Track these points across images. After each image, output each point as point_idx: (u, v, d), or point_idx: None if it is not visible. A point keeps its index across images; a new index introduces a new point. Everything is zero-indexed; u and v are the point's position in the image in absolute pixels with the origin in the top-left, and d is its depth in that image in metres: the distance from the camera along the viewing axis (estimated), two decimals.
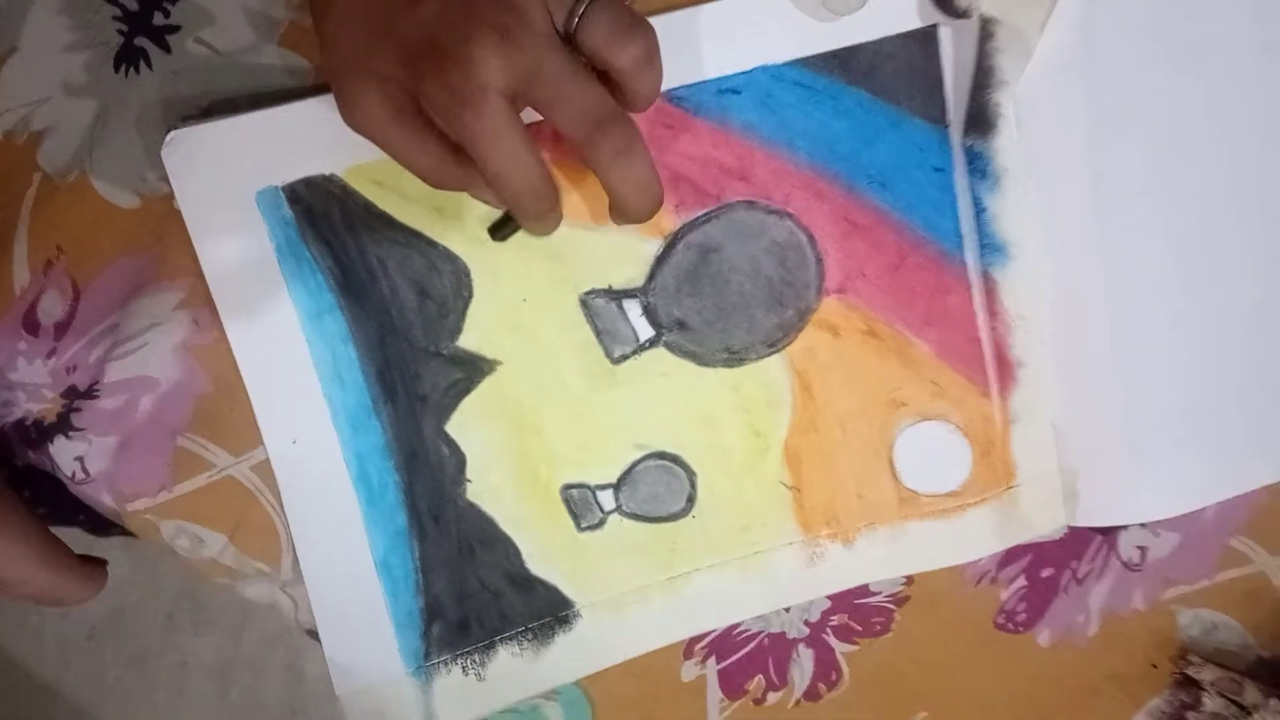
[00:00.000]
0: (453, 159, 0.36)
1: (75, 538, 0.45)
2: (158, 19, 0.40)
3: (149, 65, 0.41)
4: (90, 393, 0.42)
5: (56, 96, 0.40)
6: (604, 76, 0.35)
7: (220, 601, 1.16)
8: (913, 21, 0.43)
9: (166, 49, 0.40)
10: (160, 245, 0.42)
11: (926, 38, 0.43)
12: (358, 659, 0.45)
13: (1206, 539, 0.50)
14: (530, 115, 0.37)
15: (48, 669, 1.16)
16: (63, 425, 0.42)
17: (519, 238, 0.42)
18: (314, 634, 0.45)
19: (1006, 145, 0.43)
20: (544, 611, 0.46)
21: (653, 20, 0.40)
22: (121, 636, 1.16)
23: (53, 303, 0.42)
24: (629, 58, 0.34)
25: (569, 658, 0.47)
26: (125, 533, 0.46)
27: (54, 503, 0.45)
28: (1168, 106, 0.44)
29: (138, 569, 1.13)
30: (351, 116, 0.35)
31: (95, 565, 0.43)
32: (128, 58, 0.40)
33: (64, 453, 0.43)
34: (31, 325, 0.42)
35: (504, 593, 0.46)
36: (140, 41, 0.40)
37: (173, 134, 0.39)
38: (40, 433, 0.43)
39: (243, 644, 1.16)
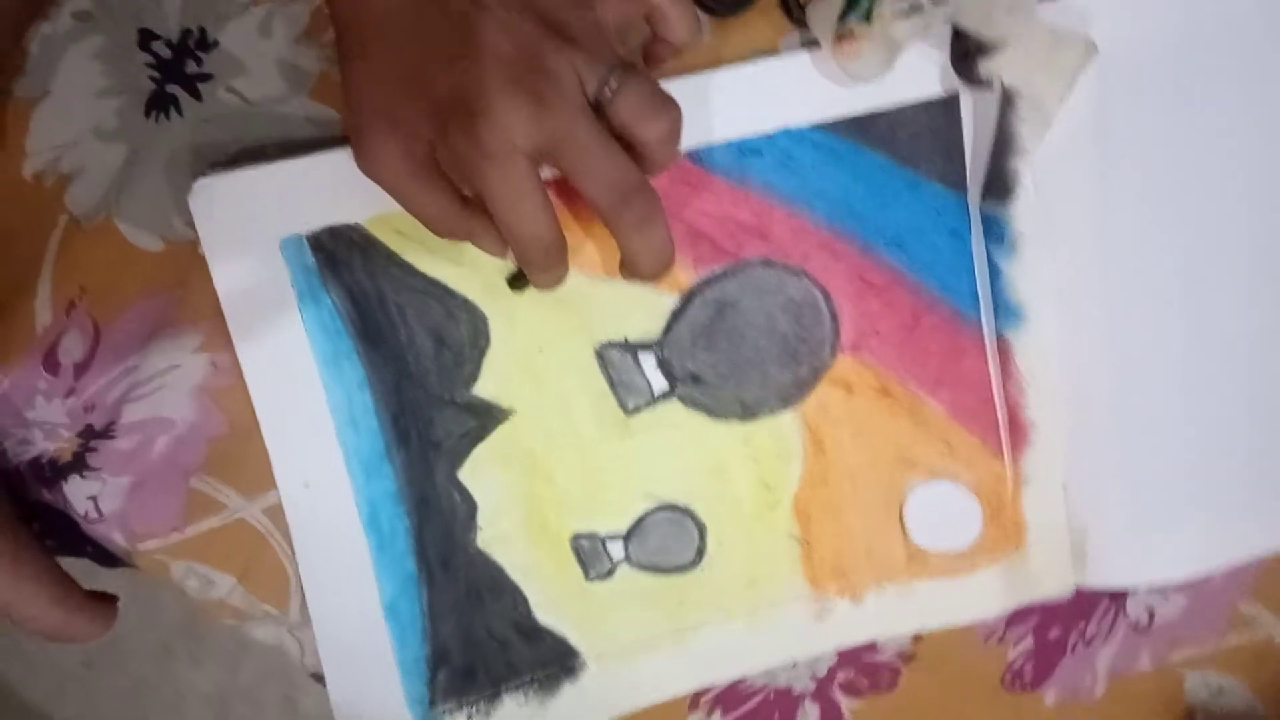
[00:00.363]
0: (460, 211, 0.37)
1: (84, 569, 0.45)
2: (190, 67, 0.41)
3: (179, 112, 0.41)
4: (107, 432, 0.42)
5: (86, 140, 0.41)
6: (621, 141, 0.36)
7: (218, 633, 1.15)
8: (935, 89, 0.43)
9: (198, 97, 0.41)
10: (182, 289, 0.42)
11: (947, 105, 0.43)
12: (363, 704, 0.45)
13: (1214, 602, 0.50)
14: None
15: (43, 699, 1.16)
16: (78, 464, 0.43)
17: (533, 289, 0.42)
18: (320, 677, 0.45)
19: (1024, 211, 0.44)
20: (550, 661, 0.46)
21: (679, 80, 0.41)
22: (118, 667, 1.15)
23: (73, 343, 0.42)
24: (655, 134, 0.35)
25: (575, 708, 0.46)
26: (134, 564, 0.46)
27: (63, 535, 0.45)
28: (1176, 178, 0.45)
29: (135, 599, 1.12)
30: (368, 163, 0.36)
31: (105, 602, 0.43)
32: (159, 104, 0.41)
33: (78, 492, 0.43)
34: (52, 364, 0.42)
35: (511, 641, 0.46)
36: (172, 89, 0.41)
37: (200, 181, 0.40)
38: (55, 471, 0.43)
39: (240, 676, 1.15)
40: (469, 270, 0.43)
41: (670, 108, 0.35)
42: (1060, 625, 0.49)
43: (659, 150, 0.35)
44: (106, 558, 0.47)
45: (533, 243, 0.36)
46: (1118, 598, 0.49)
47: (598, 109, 0.35)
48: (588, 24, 0.35)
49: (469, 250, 0.43)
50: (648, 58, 0.40)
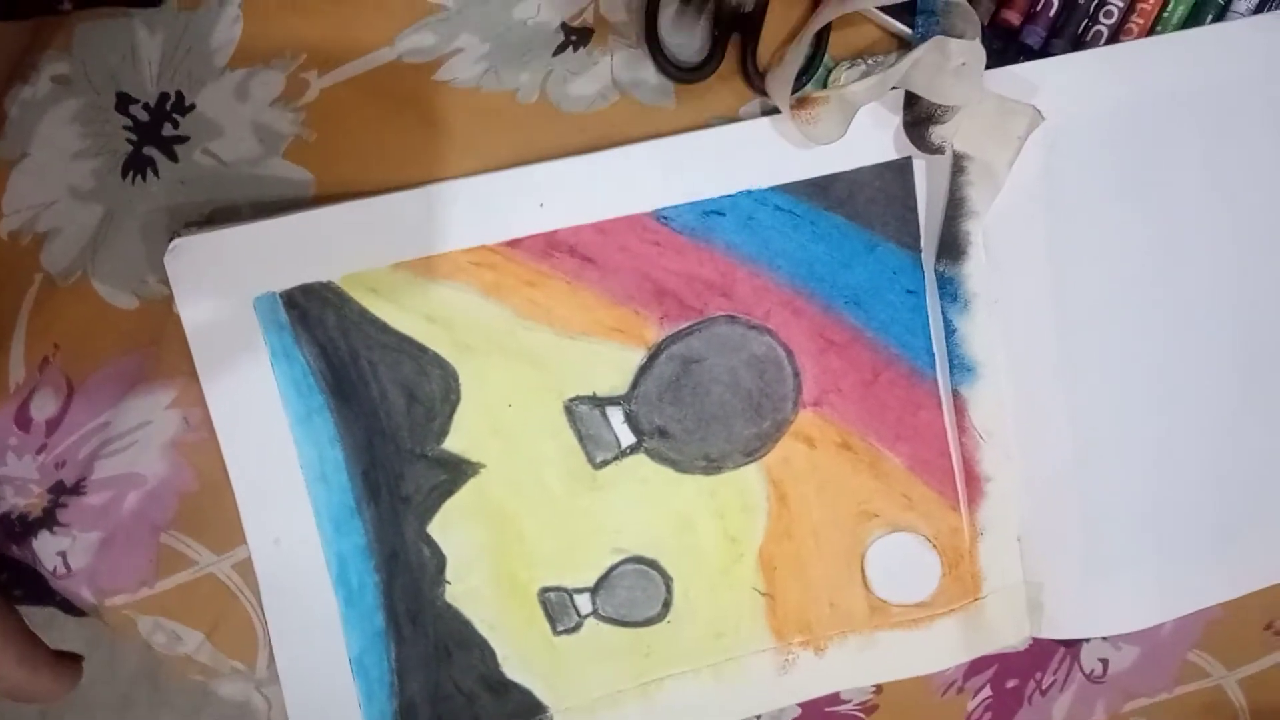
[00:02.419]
0: None
1: (47, 617, 0.45)
2: (167, 130, 0.42)
3: (156, 173, 0.42)
4: (78, 489, 0.43)
5: (63, 200, 0.42)
6: None
7: (177, 685, 1.13)
8: (889, 153, 0.45)
9: (174, 158, 0.42)
10: (156, 346, 0.42)
11: (902, 168, 0.45)
12: None
13: (1165, 652, 0.51)
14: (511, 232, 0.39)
15: None
16: (47, 520, 0.43)
17: (504, 345, 0.43)
18: None
19: (975, 271, 0.45)
20: (518, 716, 0.46)
21: (644, 145, 0.43)
22: (76, 716, 1.13)
23: (46, 399, 0.42)
24: None
25: None
26: (102, 619, 0.46)
27: (30, 584, 0.45)
28: (1120, 239, 0.47)
29: (96, 649, 1.10)
30: None
31: (70, 662, 0.43)
32: (136, 166, 0.42)
33: (47, 548, 0.43)
34: (24, 421, 0.42)
35: (478, 696, 0.46)
36: (149, 151, 0.42)
37: (176, 242, 0.40)
38: (24, 527, 0.43)
39: None
40: (440, 327, 0.44)
41: None
42: (1017, 676, 0.51)
43: None
44: (73, 607, 0.47)
45: None
46: (1072, 648, 0.51)
47: None
48: None
49: (440, 308, 0.44)
50: None
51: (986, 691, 0.50)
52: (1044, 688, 0.51)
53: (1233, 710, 0.52)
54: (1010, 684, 0.50)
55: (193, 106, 0.42)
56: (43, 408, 0.42)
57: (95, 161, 0.42)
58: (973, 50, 0.41)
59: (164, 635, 0.44)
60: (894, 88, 0.43)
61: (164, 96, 0.42)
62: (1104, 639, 0.51)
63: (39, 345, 0.42)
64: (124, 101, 0.42)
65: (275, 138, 0.42)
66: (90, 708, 1.13)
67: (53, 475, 0.43)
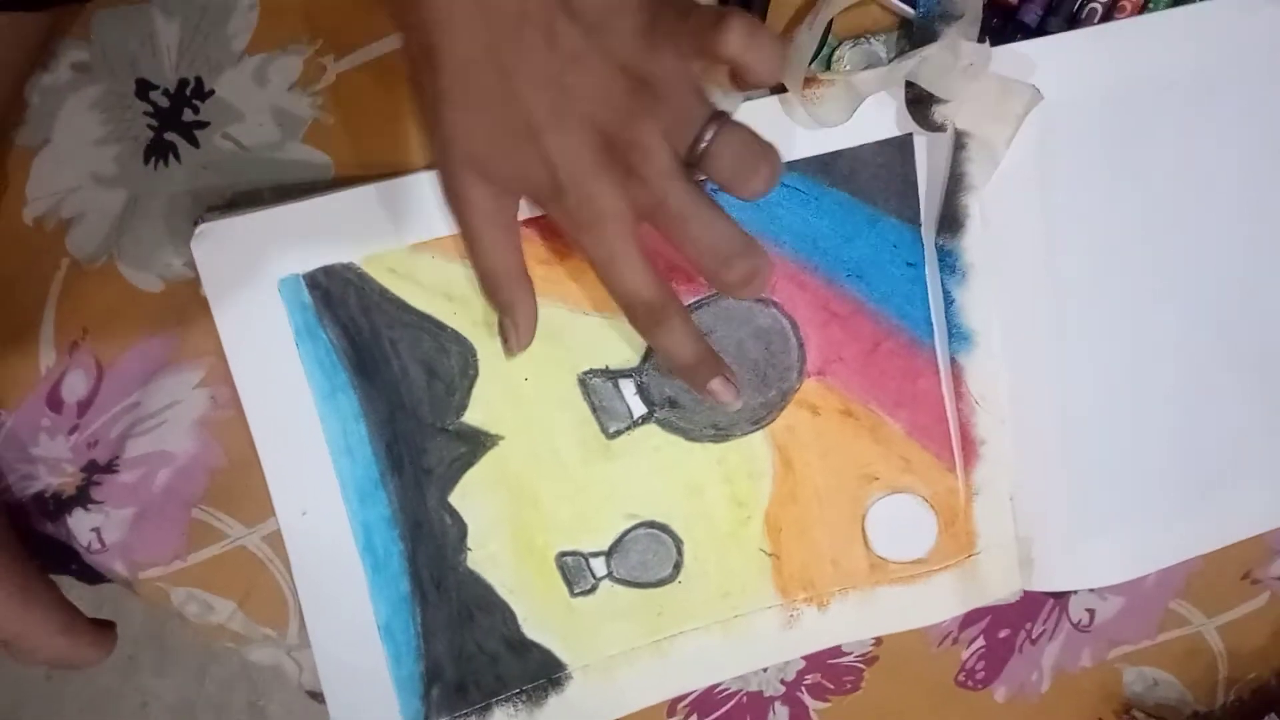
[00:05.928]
0: (516, 274, 0.40)
1: (67, 586, 0.46)
2: (187, 115, 0.42)
3: (177, 159, 0.43)
4: (110, 467, 0.44)
5: (86, 186, 0.42)
6: None
7: (182, 642, 1.15)
8: (891, 130, 0.46)
9: (195, 144, 0.43)
10: (182, 327, 0.44)
11: (903, 145, 0.46)
12: None
13: (1149, 602, 0.54)
14: (525, 211, 0.41)
15: (4, 710, 1.15)
16: (81, 498, 0.44)
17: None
18: (318, 696, 0.47)
19: (973, 243, 0.47)
20: (538, 674, 0.49)
21: None
22: (81, 677, 1.15)
23: (77, 381, 0.43)
24: (754, 189, 0.35)
25: (561, 718, 0.49)
26: (136, 592, 0.48)
27: (46, 553, 0.47)
28: (1110, 213, 0.49)
29: (99, 608, 1.12)
30: (456, 204, 0.37)
31: (106, 628, 0.44)
32: (157, 151, 0.43)
33: (81, 524, 0.44)
34: (55, 403, 0.43)
35: (500, 656, 0.48)
36: (170, 136, 0.42)
37: (201, 226, 0.41)
38: (59, 505, 0.44)
39: (205, 684, 1.16)
40: (459, 305, 0.45)
41: (769, 156, 0.35)
42: (1009, 626, 0.53)
43: (759, 195, 0.36)
44: (90, 574, 0.49)
45: (633, 300, 0.38)
46: (1061, 600, 0.53)
47: (696, 163, 0.35)
48: (672, 74, 0.34)
49: (458, 286, 0.45)
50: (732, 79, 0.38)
51: (980, 642, 0.53)
52: (1034, 637, 0.53)
53: (1211, 655, 0.55)
54: (1002, 634, 0.53)
55: (212, 92, 0.43)
56: (74, 389, 0.43)
57: (117, 147, 0.42)
58: (981, 53, 0.43)
59: (197, 605, 0.46)
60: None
61: (183, 82, 0.42)
62: (1091, 590, 0.53)
63: (68, 329, 0.43)
64: (144, 88, 0.42)
65: (294, 122, 0.43)
66: (94, 668, 1.15)
67: (85, 454, 0.44)
